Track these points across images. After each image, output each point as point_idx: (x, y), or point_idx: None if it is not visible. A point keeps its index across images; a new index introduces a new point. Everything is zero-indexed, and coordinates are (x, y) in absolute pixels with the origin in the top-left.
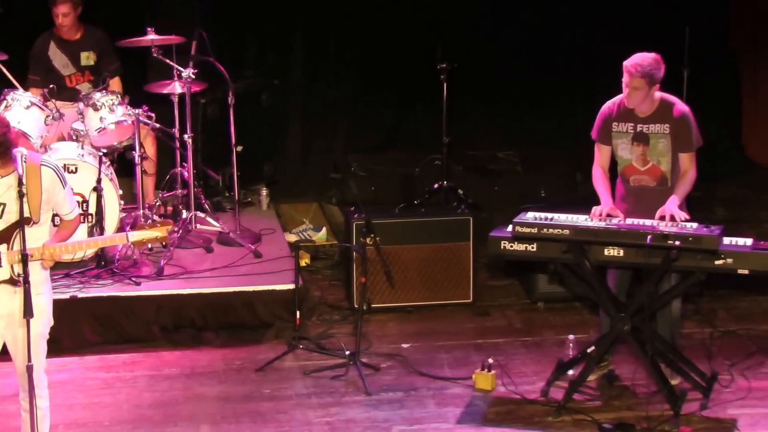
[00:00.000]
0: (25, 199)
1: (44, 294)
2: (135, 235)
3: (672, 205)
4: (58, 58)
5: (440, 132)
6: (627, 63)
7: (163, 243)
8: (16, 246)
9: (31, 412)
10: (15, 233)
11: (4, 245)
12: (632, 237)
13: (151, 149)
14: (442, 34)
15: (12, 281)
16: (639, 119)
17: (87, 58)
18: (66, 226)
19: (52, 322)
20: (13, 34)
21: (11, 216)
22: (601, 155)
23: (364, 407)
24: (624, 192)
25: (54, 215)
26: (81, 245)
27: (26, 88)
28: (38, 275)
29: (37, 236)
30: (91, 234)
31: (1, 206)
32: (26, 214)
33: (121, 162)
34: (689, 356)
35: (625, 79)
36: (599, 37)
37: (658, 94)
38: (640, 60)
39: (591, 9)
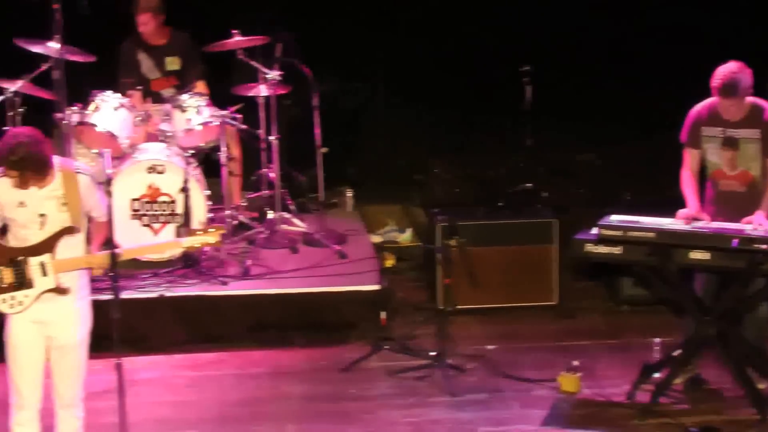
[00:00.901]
0: (65, 209)
1: (84, 299)
2: (187, 241)
3: (761, 219)
4: (144, 62)
5: (524, 133)
6: (718, 85)
7: (217, 248)
8: (59, 255)
9: (121, 408)
10: (58, 242)
11: (48, 255)
12: (718, 240)
13: (236, 150)
14: (525, 35)
15: (58, 290)
16: (728, 124)
17: (172, 62)
18: (101, 228)
19: (90, 328)
20: (101, 35)
21: (53, 226)
22: (690, 159)
23: (448, 408)
24: (713, 195)
25: None
26: (133, 251)
27: (122, 93)
28: (78, 281)
29: (76, 243)
30: (178, 235)
31: (43, 217)
32: (68, 223)
33: (207, 163)
34: None
35: (721, 101)
36: (683, 38)
37: (749, 99)
38: (731, 81)
39: (669, 11)
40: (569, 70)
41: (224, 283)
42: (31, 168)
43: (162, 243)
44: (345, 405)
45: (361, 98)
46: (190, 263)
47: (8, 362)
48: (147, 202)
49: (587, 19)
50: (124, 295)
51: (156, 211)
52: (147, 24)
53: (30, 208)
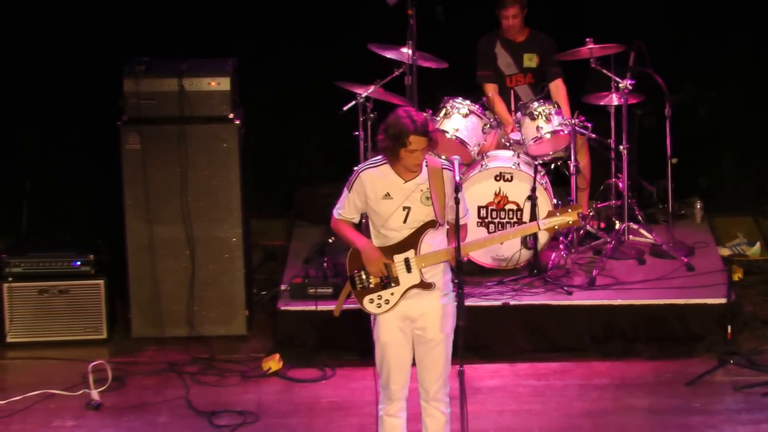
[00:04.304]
0: (429, 202)
1: (450, 294)
2: (546, 223)
3: None
4: (501, 57)
5: None
6: None
7: (575, 227)
8: (423, 250)
9: (463, 415)
10: (421, 237)
11: (411, 251)
12: None
13: (584, 160)
14: None
15: (423, 285)
16: None
17: (530, 59)
18: (461, 230)
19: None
20: (455, 42)
21: (417, 220)
22: None
23: None
24: None
25: None
26: (491, 239)
27: (480, 83)
28: (443, 277)
29: (438, 240)
30: (524, 243)
31: (407, 210)
32: (431, 217)
33: (555, 172)
34: None
35: None
36: None
37: None
38: None
39: None
40: None
41: (569, 293)
42: (431, 144)
43: (519, 228)
44: (689, 419)
45: (715, 109)
46: (536, 272)
47: (377, 360)
48: (494, 210)
49: None
50: (469, 302)
51: (502, 219)
52: (516, 17)
53: (395, 201)
